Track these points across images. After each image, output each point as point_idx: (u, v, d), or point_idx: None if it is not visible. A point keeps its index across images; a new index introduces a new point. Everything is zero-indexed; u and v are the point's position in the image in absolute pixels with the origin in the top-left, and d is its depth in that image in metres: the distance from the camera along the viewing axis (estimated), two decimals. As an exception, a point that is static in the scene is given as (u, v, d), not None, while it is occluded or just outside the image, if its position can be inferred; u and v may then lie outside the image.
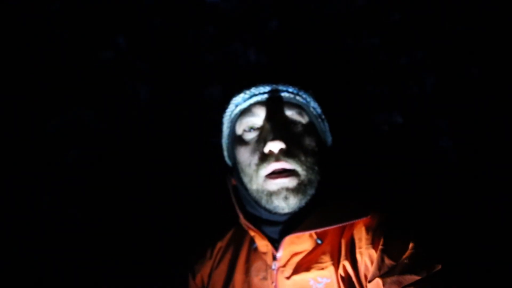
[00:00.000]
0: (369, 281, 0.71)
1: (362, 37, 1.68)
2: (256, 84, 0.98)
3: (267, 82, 0.98)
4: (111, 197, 1.39)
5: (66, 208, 1.36)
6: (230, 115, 1.03)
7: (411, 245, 0.71)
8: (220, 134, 1.10)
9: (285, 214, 0.91)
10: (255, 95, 0.97)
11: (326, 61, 1.64)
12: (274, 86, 0.97)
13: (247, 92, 0.98)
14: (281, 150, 0.88)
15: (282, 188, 0.87)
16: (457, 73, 1.61)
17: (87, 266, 1.28)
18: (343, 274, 0.81)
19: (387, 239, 0.76)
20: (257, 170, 0.90)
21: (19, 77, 1.43)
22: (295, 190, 0.88)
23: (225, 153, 1.11)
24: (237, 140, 0.98)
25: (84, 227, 1.34)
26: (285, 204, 0.88)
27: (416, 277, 0.64)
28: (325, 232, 0.89)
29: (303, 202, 0.89)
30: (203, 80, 1.63)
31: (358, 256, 0.80)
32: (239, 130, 0.98)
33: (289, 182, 0.87)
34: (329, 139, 1.05)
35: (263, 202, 0.91)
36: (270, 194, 0.89)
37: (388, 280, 0.66)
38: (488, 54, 1.57)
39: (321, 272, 0.83)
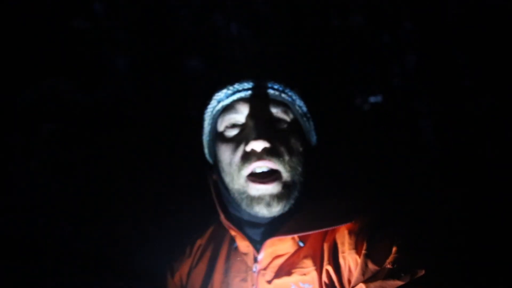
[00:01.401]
0: (353, 286, 0.70)
1: (349, 13, 1.65)
2: (239, 79, 0.93)
3: (251, 78, 0.93)
4: (88, 176, 1.36)
5: (40, 187, 1.31)
6: (212, 111, 0.98)
7: (394, 249, 0.69)
8: (201, 130, 1.05)
9: (267, 218, 0.89)
10: (239, 91, 0.93)
11: (310, 39, 1.61)
12: (259, 82, 0.93)
13: (230, 88, 0.93)
14: (264, 149, 0.85)
15: (265, 194, 0.85)
16: (439, 53, 1.62)
17: (60, 254, 1.25)
18: (326, 281, 0.80)
19: (370, 244, 0.74)
20: (238, 170, 0.87)
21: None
22: (279, 196, 0.85)
23: (206, 150, 1.07)
24: (219, 137, 0.94)
25: (60, 207, 1.30)
26: (267, 211, 0.85)
27: (400, 282, 0.63)
28: (307, 235, 0.87)
29: (286, 208, 0.86)
30: (182, 51, 1.58)
31: (341, 260, 0.79)
32: (220, 127, 0.94)
33: (273, 188, 0.84)
34: (313, 138, 1.02)
35: (244, 205, 0.88)
36: (251, 199, 0.86)
37: (372, 285, 0.65)
38: (471, 37, 1.58)
39: (303, 277, 0.82)
